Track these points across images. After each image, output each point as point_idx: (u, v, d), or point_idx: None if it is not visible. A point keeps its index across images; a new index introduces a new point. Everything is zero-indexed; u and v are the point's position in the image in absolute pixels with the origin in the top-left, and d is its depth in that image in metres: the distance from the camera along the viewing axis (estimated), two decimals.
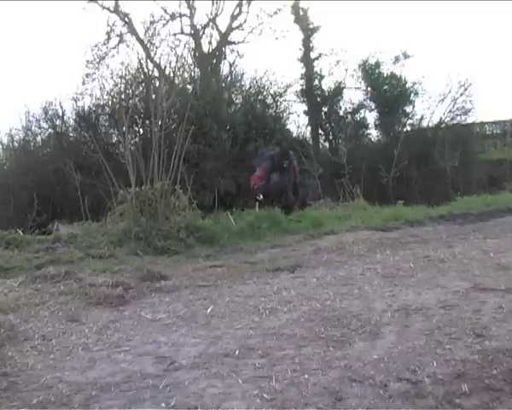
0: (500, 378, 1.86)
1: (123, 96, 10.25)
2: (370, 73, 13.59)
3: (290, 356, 2.24)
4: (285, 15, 14.42)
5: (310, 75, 13.84)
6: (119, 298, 3.40)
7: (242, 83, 12.58)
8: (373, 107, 13.75)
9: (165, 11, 13.51)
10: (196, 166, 9.22)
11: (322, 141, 14.07)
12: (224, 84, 12.44)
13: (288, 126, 12.77)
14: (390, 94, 13.33)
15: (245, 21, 13.94)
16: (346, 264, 4.19)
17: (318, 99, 13.83)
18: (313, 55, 14.12)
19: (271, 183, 7.78)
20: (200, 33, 13.77)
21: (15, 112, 14.13)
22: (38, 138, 11.67)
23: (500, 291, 2.97)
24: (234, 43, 13.96)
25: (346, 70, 13.84)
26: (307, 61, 14.02)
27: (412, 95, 13.38)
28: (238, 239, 5.71)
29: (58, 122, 11.34)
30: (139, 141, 9.62)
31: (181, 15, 13.66)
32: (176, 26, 13.71)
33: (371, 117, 13.86)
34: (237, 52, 13.77)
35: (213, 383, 2.02)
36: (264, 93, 12.18)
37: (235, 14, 13.83)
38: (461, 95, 13.13)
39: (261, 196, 7.52)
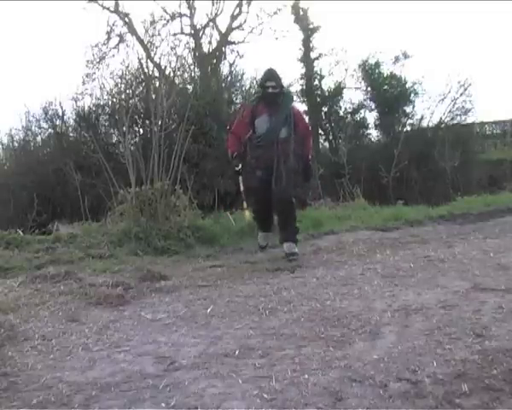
0: (500, 378, 1.86)
1: (123, 96, 10.26)
2: (370, 73, 13.61)
3: (290, 356, 2.24)
4: (285, 15, 14.46)
5: (310, 75, 13.86)
6: (119, 298, 3.40)
7: (242, 83, 12.59)
8: (373, 107, 13.78)
9: (165, 11, 13.53)
10: (196, 166, 9.23)
11: (322, 141, 14.09)
12: (224, 84, 12.45)
13: None
14: (390, 94, 13.36)
15: (245, 21, 13.95)
16: (346, 264, 4.19)
17: (318, 99, 13.86)
18: (313, 55, 14.15)
19: (256, 135, 4.66)
20: (200, 33, 13.79)
21: (15, 112, 14.18)
22: (38, 138, 11.69)
23: (500, 291, 2.97)
24: (234, 43, 13.98)
25: (346, 70, 13.89)
26: (307, 61, 14.03)
27: (412, 95, 13.42)
28: (238, 239, 5.71)
29: (58, 122, 11.36)
30: (139, 141, 9.62)
31: (181, 15, 13.68)
32: (176, 26, 13.74)
33: (371, 117, 13.91)
34: (237, 52, 13.79)
35: (213, 383, 2.02)
36: None
37: (235, 14, 13.84)
38: (461, 95, 13.17)
39: (239, 166, 4.76)
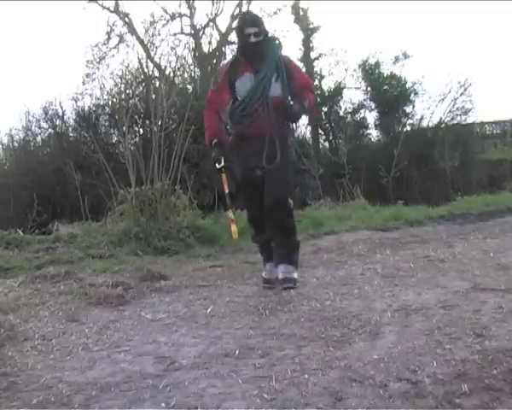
0: (500, 378, 1.86)
1: (123, 96, 10.25)
2: (370, 73, 13.61)
3: (290, 356, 2.24)
4: (285, 15, 14.46)
5: (310, 75, 13.85)
6: (119, 298, 3.40)
7: None
8: (373, 107, 13.79)
9: (166, 11, 13.53)
10: (196, 166, 9.21)
11: (322, 141, 14.09)
12: None
13: None
14: (390, 94, 13.36)
15: None
16: (346, 264, 4.19)
17: (318, 99, 13.85)
18: (313, 55, 14.17)
19: (238, 102, 3.36)
20: (200, 33, 13.79)
21: (15, 112, 14.19)
22: (38, 138, 11.70)
23: (500, 291, 2.97)
24: (234, 43, 13.96)
25: (346, 70, 13.90)
26: (307, 61, 14.04)
27: (412, 95, 13.43)
28: (238, 239, 5.70)
29: (58, 122, 11.37)
30: (139, 141, 9.62)
31: (181, 15, 13.68)
32: (176, 26, 13.73)
33: (371, 117, 13.92)
34: None
35: (213, 383, 2.02)
36: None
37: (235, 14, 13.84)
38: (461, 95, 13.18)
39: (222, 161, 3.42)
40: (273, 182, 3.28)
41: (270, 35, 3.51)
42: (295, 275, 3.35)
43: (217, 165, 3.43)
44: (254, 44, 3.31)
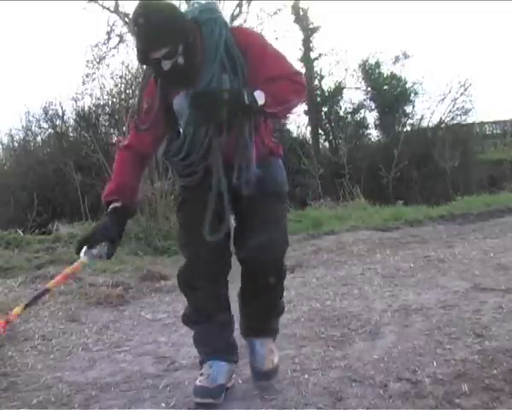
0: (500, 378, 1.86)
1: (123, 96, 10.25)
2: (370, 73, 13.62)
3: (290, 356, 2.24)
4: (285, 15, 14.40)
5: (310, 75, 13.84)
6: (119, 298, 3.40)
7: None
8: (373, 107, 13.79)
9: None
10: None
11: (322, 141, 14.09)
12: None
13: (287, 126, 12.80)
14: (390, 94, 13.36)
15: (245, 21, 13.91)
16: (346, 264, 4.19)
17: (318, 99, 13.84)
18: (313, 55, 14.14)
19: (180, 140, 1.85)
20: None
21: (15, 112, 14.19)
22: (38, 138, 11.70)
23: (500, 291, 2.97)
24: None
25: (346, 70, 13.91)
26: (307, 61, 14.02)
27: (412, 95, 13.44)
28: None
29: (58, 122, 11.37)
30: None
31: None
32: None
33: (371, 117, 13.92)
34: None
35: None
36: None
37: (235, 14, 13.81)
38: (461, 95, 13.19)
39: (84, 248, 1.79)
40: (260, 223, 1.91)
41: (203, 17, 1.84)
42: (276, 359, 2.02)
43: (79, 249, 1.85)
44: (172, 72, 1.80)
